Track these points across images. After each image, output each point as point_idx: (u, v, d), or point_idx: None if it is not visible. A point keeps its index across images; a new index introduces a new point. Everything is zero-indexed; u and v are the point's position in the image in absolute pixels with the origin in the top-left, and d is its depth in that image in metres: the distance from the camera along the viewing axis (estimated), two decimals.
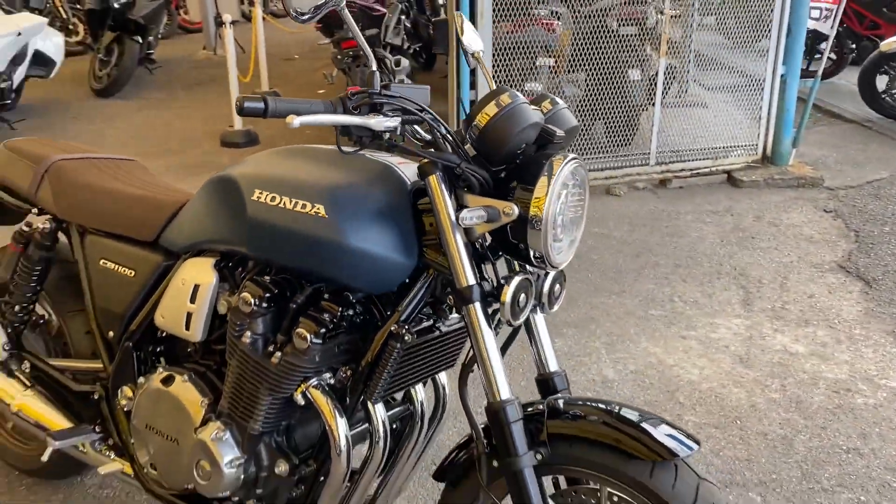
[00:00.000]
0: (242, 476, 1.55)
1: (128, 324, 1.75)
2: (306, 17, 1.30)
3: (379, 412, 1.51)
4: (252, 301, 1.49)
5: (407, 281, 1.46)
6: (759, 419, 2.51)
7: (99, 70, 7.60)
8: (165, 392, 1.65)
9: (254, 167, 1.55)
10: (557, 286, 1.52)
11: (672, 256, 3.76)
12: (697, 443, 1.33)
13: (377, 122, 1.29)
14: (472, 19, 4.08)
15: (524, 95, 1.37)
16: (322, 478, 1.57)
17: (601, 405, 1.42)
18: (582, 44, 4.55)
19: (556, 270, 1.48)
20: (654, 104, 4.71)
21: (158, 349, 1.77)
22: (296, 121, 1.19)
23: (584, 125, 4.70)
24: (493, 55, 4.33)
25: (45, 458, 1.80)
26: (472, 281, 1.36)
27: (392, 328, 1.44)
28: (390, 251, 1.41)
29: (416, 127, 1.42)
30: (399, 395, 1.70)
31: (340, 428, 1.47)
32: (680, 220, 4.25)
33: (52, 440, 1.76)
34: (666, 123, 4.74)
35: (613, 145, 4.73)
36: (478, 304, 1.36)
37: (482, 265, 1.45)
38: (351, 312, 1.49)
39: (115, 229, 1.79)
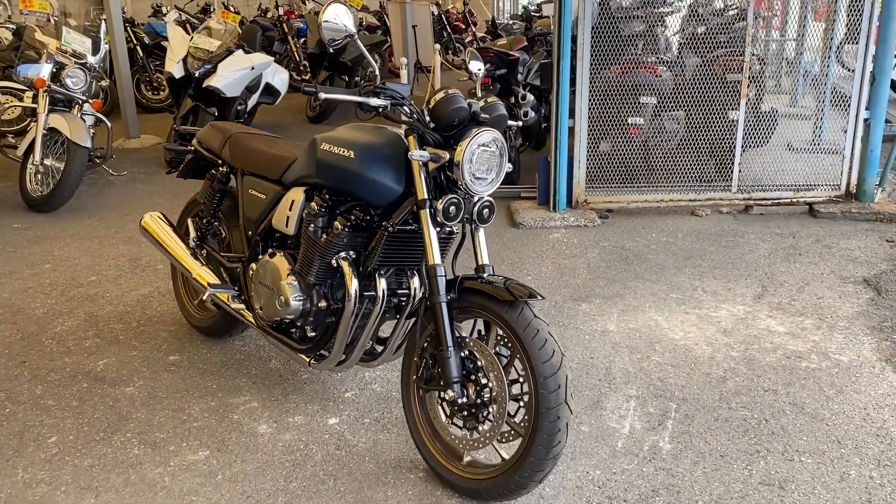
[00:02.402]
0: (301, 307, 2.68)
1: (258, 226, 2.97)
2: (335, 45, 2.43)
3: (381, 283, 2.56)
4: (316, 208, 2.63)
5: (398, 200, 2.52)
6: (710, 366, 3.24)
7: (314, 101, 9.39)
8: (271, 262, 2.83)
9: (324, 133, 2.69)
10: (486, 210, 2.48)
11: (716, 262, 4.45)
12: (542, 297, 2.26)
13: (374, 101, 2.38)
14: (574, 63, 5.04)
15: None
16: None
17: (500, 277, 2.36)
18: (684, 85, 5.34)
19: (480, 199, 2.44)
20: (756, 145, 5.38)
21: (272, 242, 2.97)
22: (323, 95, 2.31)
23: (681, 157, 5.44)
24: (600, 92, 5.24)
25: (205, 297, 3.06)
26: (425, 196, 2.39)
27: (387, 225, 2.50)
28: (388, 180, 2.47)
29: (405, 108, 2.49)
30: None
31: (353, 283, 2.55)
32: (743, 237, 4.88)
33: (210, 288, 3.01)
34: (751, 157, 5.37)
35: (704, 175, 5.42)
36: (427, 210, 2.38)
37: (441, 195, 2.45)
38: (366, 217, 2.58)
39: (259, 172, 3.02)
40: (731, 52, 5.48)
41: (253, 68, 7.22)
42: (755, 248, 4.67)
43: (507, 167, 2.50)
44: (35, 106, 5.78)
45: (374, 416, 2.88)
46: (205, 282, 3.12)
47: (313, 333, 2.77)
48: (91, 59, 6.14)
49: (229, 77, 6.99)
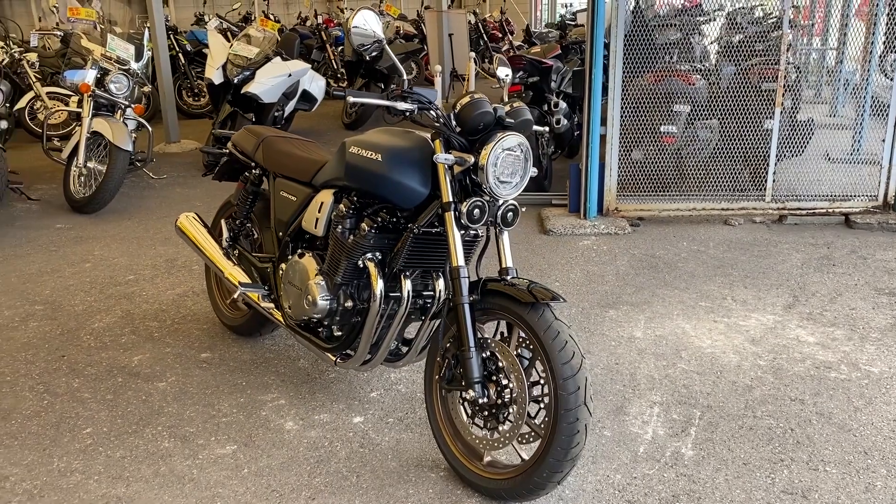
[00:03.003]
0: (328, 306, 2.74)
1: (288, 227, 3.04)
2: (363, 50, 2.49)
3: (406, 284, 2.61)
4: (344, 210, 2.69)
5: (424, 202, 2.56)
6: (737, 374, 3.22)
7: (350, 108, 9.52)
8: (300, 262, 2.89)
9: (353, 137, 2.75)
10: (510, 214, 2.51)
11: (747, 271, 4.41)
12: (564, 300, 2.28)
13: (401, 105, 2.43)
14: (606, 72, 5.05)
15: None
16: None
17: (523, 280, 2.39)
18: (719, 94, 5.31)
19: (505, 202, 2.47)
20: (793, 154, 5.33)
21: (302, 243, 3.03)
22: (351, 98, 2.37)
23: (714, 165, 5.41)
24: (633, 100, 5.23)
25: (236, 295, 3.13)
26: (450, 198, 2.42)
27: (412, 227, 2.54)
28: (414, 182, 2.52)
29: (432, 112, 2.53)
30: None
31: (378, 283, 2.59)
32: (776, 247, 4.83)
33: (241, 287, 3.09)
34: (787, 167, 5.32)
35: (738, 184, 5.38)
36: (452, 213, 2.42)
37: (466, 198, 2.49)
38: (392, 219, 2.63)
39: (290, 174, 3.09)
40: (767, 60, 5.44)
41: (290, 75, 7.35)
42: (788, 258, 4.62)
43: (532, 171, 2.54)
44: (80, 110, 5.96)
45: (398, 416, 2.92)
46: (236, 281, 3.19)
47: (339, 333, 2.83)
48: (134, 66, 6.31)
49: (267, 83, 7.12)
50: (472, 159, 2.38)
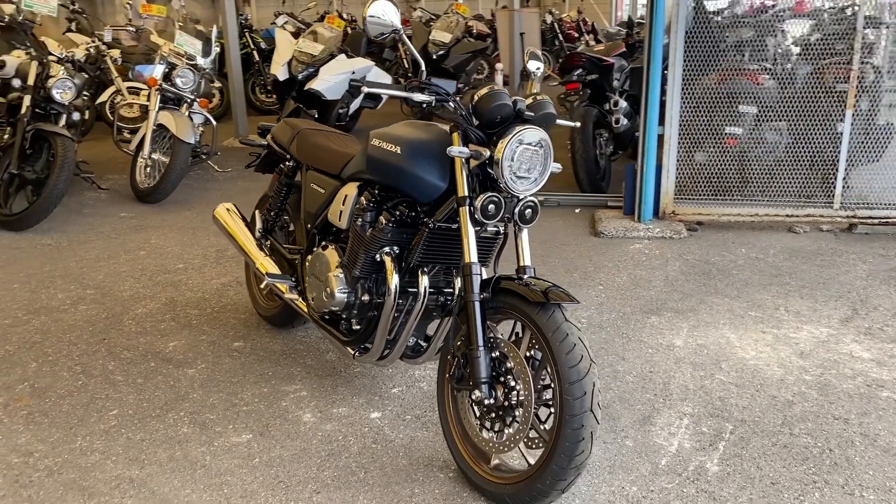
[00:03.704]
0: (346, 299, 2.71)
1: (315, 219, 3.04)
2: (379, 39, 2.45)
3: (423, 280, 2.56)
4: (365, 203, 2.66)
5: (442, 197, 2.50)
6: (778, 388, 3.03)
7: (414, 108, 9.53)
8: (323, 254, 2.88)
9: (377, 130, 2.71)
10: (529, 211, 2.42)
11: (806, 280, 4.17)
12: (577, 301, 2.19)
13: (418, 97, 2.38)
14: (665, 70, 4.87)
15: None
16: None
17: (540, 280, 2.30)
18: (789, 94, 5.05)
19: (524, 198, 2.39)
20: (868, 160, 5.02)
21: (328, 236, 3.02)
22: (366, 88, 2.33)
23: (780, 170, 5.15)
24: (694, 100, 5.03)
25: (262, 286, 3.15)
26: (466, 193, 2.36)
27: (428, 221, 2.49)
28: (432, 176, 2.47)
29: (450, 104, 2.47)
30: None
31: (394, 278, 2.55)
32: (841, 257, 4.56)
33: (268, 277, 3.10)
34: (860, 173, 5.01)
35: (806, 190, 5.10)
36: (467, 208, 2.36)
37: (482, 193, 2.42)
38: (411, 213, 2.58)
39: (320, 167, 3.09)
40: (843, 60, 5.14)
41: (353, 73, 7.40)
42: (852, 269, 4.35)
43: (556, 167, 2.45)
44: (148, 104, 6.15)
45: (416, 414, 2.88)
46: (265, 271, 3.21)
47: (358, 326, 2.80)
48: (201, 61, 6.47)
49: (330, 80, 7.19)
50: (487, 153, 2.32)
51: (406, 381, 3.12)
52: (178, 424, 2.82)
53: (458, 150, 2.33)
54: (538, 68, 2.77)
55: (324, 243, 2.95)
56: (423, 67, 2.53)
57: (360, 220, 2.67)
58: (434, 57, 9.32)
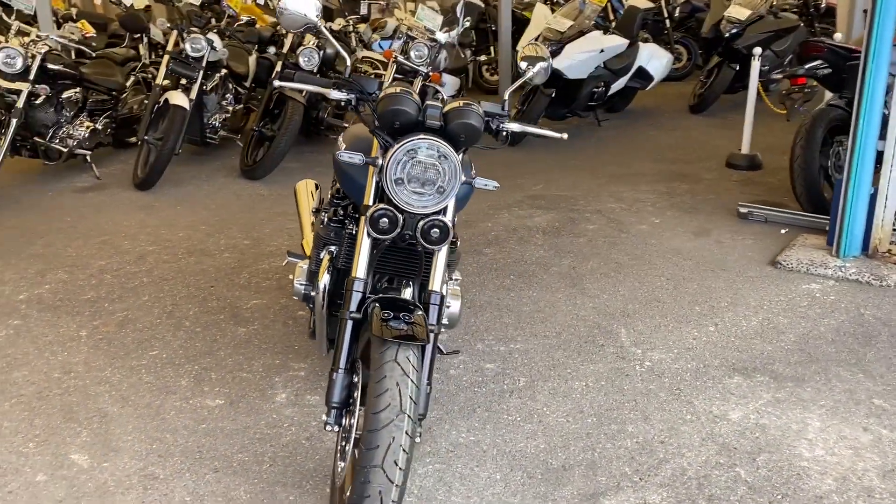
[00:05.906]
0: (302, 292, 2.70)
1: None
2: (295, 31, 2.32)
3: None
4: (330, 198, 2.61)
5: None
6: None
7: (698, 89, 8.68)
8: None
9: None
10: (435, 231, 2.15)
11: None
12: (426, 342, 1.93)
13: (334, 94, 2.24)
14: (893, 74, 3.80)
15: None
16: None
17: (420, 312, 2.06)
18: None
19: (426, 216, 2.13)
20: None
21: None
22: (286, 84, 2.26)
23: None
24: None
25: (284, 264, 3.26)
26: (368, 202, 2.20)
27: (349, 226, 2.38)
28: (362, 179, 2.33)
29: (369, 104, 2.25)
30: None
31: (324, 277, 2.48)
32: None
33: (288, 256, 3.20)
34: None
35: None
36: (365, 217, 2.19)
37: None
38: (355, 215, 2.47)
39: None
40: None
41: (602, 51, 7.01)
42: None
43: (483, 184, 2.16)
44: (383, 73, 6.56)
45: None
46: (307, 248, 3.32)
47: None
48: (440, 36, 6.67)
49: (574, 59, 6.90)
50: (380, 161, 2.12)
51: None
52: (181, 377, 3.10)
53: (347, 154, 2.17)
54: (527, 66, 2.43)
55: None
56: (349, 63, 2.36)
57: (322, 214, 2.64)
58: (726, 35, 8.30)
